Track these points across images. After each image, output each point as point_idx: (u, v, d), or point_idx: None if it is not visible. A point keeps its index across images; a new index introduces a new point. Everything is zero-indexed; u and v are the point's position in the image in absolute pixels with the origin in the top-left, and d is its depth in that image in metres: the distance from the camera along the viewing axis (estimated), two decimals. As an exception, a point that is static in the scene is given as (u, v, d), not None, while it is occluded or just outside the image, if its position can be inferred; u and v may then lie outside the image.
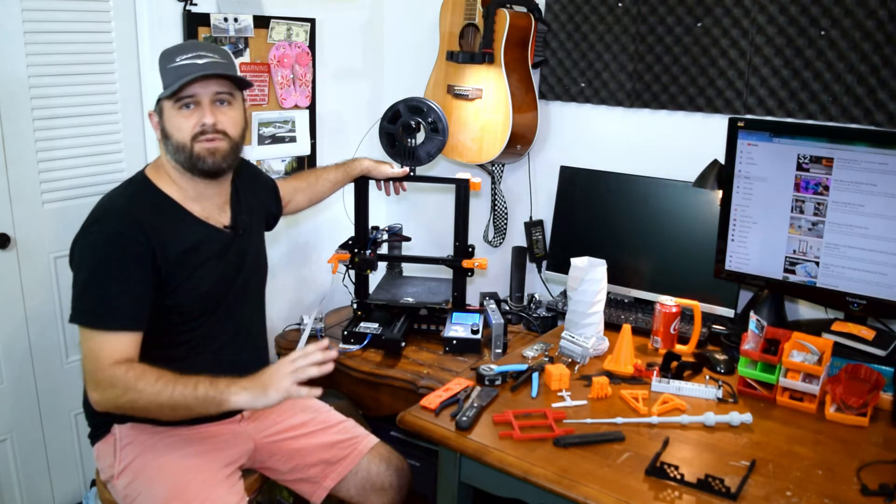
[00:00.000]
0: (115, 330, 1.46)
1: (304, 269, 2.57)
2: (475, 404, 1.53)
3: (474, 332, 2.07)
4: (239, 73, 1.66)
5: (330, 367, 1.46)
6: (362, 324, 2.16)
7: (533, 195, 2.47)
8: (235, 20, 2.13)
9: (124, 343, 1.46)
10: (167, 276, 1.53)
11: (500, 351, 1.96)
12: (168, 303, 1.54)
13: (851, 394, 1.53)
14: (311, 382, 1.45)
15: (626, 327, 1.75)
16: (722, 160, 1.91)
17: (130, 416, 1.59)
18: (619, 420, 1.49)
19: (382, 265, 2.44)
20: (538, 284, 2.47)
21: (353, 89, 2.62)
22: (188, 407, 1.42)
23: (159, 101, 1.55)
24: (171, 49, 1.56)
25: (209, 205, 1.64)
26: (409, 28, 2.63)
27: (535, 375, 1.65)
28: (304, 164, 2.44)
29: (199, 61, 1.52)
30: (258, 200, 1.84)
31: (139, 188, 1.58)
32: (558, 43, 2.30)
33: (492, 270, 2.55)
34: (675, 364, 1.72)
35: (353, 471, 1.73)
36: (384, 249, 2.32)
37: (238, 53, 2.16)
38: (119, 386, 1.42)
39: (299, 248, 2.55)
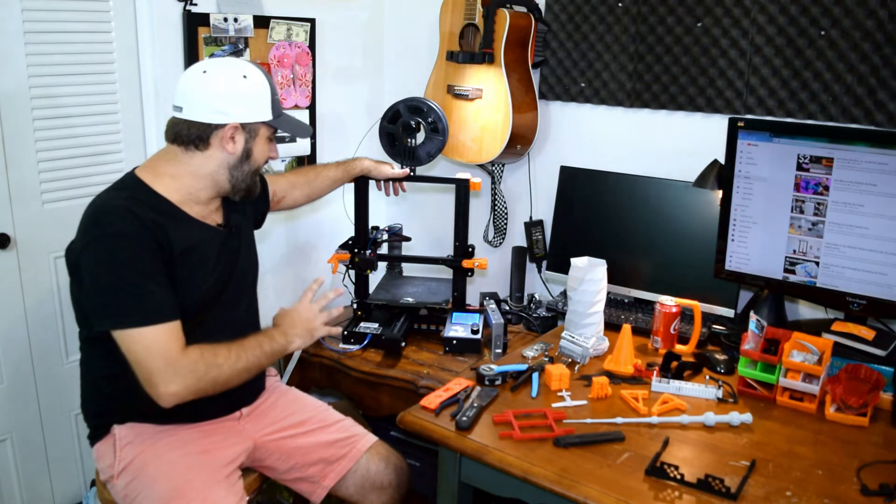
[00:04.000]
0: (166, 321, 1.46)
1: (303, 269, 2.57)
2: (475, 404, 1.53)
3: (474, 332, 2.07)
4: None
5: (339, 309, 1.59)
6: (362, 324, 2.16)
7: (533, 195, 2.47)
8: (235, 20, 2.13)
9: (178, 331, 1.48)
10: (170, 274, 1.52)
11: (500, 351, 1.96)
12: None
13: (851, 394, 1.53)
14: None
15: (626, 327, 1.75)
16: (722, 160, 1.91)
17: (130, 416, 1.60)
18: (619, 420, 1.49)
19: (382, 265, 2.44)
20: (538, 284, 2.47)
21: (353, 89, 2.62)
22: (260, 365, 1.58)
23: (257, 123, 1.59)
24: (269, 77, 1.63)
25: (204, 206, 1.64)
26: (409, 28, 2.63)
27: (535, 375, 1.65)
28: (304, 163, 2.44)
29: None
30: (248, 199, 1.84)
31: (133, 190, 1.56)
32: (558, 43, 2.30)
33: (492, 270, 2.55)
34: (675, 364, 1.71)
35: (352, 469, 1.74)
36: (384, 249, 2.32)
37: (238, 53, 2.16)
38: (200, 368, 1.46)
39: (299, 247, 2.55)
